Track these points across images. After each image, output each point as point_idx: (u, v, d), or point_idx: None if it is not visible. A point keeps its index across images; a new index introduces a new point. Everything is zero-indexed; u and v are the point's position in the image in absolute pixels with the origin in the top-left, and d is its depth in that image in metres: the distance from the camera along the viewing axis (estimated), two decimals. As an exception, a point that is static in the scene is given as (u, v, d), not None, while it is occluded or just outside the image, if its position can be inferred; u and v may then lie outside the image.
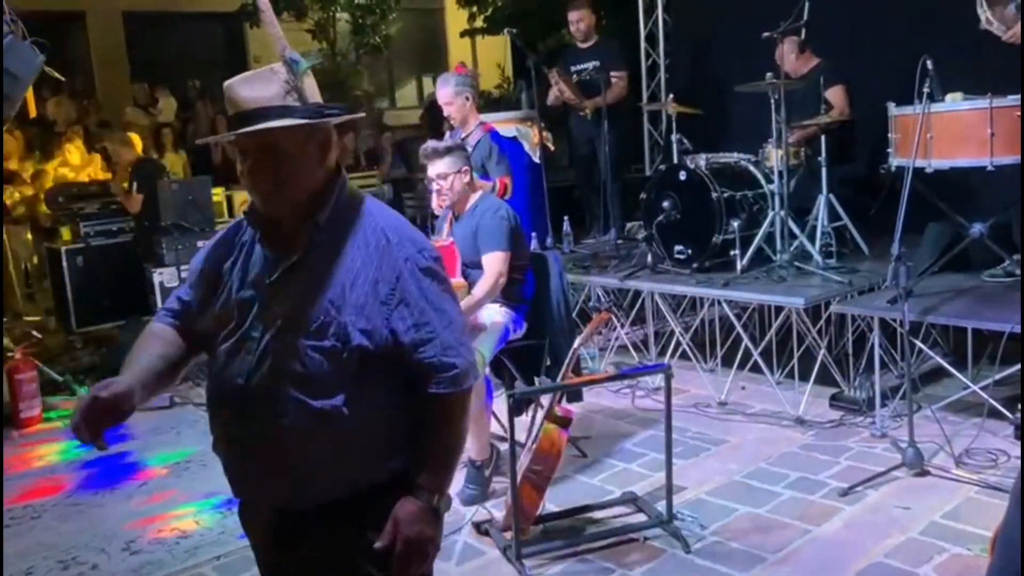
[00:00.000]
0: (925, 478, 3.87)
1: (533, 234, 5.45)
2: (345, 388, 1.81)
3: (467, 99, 4.81)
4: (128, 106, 10.46)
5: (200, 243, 6.96)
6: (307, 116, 1.83)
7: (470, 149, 4.69)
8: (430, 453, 1.88)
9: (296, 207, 1.86)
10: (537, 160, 5.89)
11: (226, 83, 1.84)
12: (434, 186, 4.08)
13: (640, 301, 5.68)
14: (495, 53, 12.74)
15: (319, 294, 1.82)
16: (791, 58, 5.74)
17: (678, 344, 5.37)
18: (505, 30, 6.08)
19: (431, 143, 4.15)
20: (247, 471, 1.90)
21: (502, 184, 4.69)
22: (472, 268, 4.04)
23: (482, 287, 3.95)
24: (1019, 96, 4.16)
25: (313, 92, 1.88)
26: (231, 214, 8.33)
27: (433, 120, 8.93)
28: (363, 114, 3.37)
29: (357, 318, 1.81)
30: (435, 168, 4.04)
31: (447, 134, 5.07)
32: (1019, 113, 4.19)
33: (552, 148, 6.30)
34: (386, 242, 1.87)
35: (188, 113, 10.79)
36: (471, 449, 4.02)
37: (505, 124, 5.71)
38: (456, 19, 13.95)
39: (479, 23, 12.36)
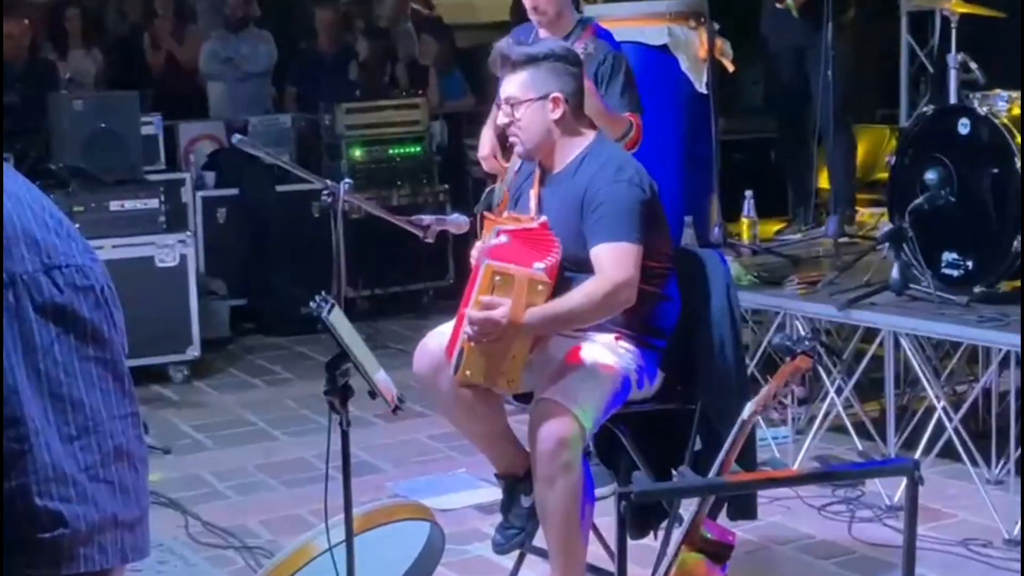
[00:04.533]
0: None
1: (687, 219, 4.46)
2: None
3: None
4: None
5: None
6: None
7: None
8: None
9: None
10: (702, 89, 4.62)
11: None
12: (501, 116, 3.13)
13: (874, 347, 4.36)
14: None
15: None
16: None
17: (940, 429, 3.99)
18: None
19: (503, 43, 3.18)
20: None
21: (637, 127, 3.64)
22: (575, 272, 2.94)
23: (585, 294, 2.93)
24: None
25: None
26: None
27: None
28: None
29: None
30: (504, 87, 3.10)
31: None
32: None
33: (732, 68, 4.90)
34: None
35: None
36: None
37: (647, 22, 4.52)
38: None
39: None
